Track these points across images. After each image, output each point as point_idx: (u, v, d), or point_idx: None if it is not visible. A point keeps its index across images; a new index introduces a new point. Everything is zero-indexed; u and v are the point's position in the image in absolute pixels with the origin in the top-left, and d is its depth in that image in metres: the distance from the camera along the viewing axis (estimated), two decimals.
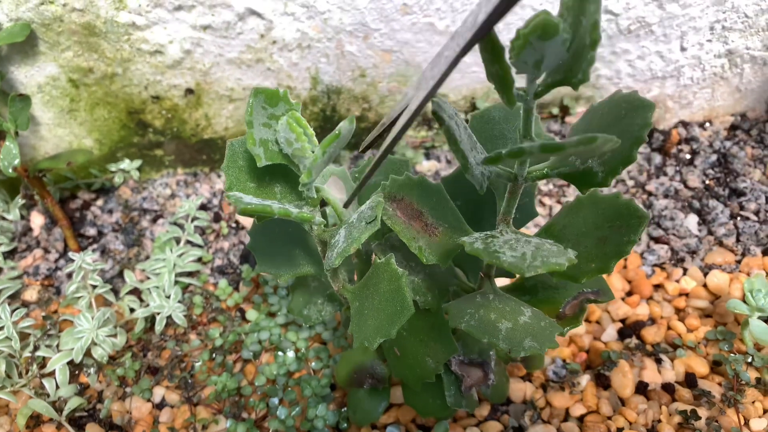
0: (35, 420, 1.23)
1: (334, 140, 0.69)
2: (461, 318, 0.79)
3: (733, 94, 1.68)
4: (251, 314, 1.38)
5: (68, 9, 1.30)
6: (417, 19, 1.42)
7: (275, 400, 1.25)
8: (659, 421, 1.17)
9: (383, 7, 1.38)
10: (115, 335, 1.31)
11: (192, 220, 1.52)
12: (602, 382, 1.24)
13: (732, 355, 1.24)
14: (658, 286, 1.40)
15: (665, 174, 1.61)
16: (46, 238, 1.54)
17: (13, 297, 1.44)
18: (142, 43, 1.38)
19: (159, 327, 1.33)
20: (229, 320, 1.38)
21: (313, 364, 1.31)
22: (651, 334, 1.30)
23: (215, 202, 1.62)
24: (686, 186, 1.57)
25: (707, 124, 1.72)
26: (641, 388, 1.22)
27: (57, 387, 1.24)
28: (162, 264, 1.41)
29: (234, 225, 1.57)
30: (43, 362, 1.28)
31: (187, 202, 1.52)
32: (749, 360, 1.23)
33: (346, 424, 1.21)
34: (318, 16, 1.39)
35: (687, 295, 1.38)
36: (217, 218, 1.58)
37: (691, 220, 1.50)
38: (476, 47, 0.61)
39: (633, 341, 1.30)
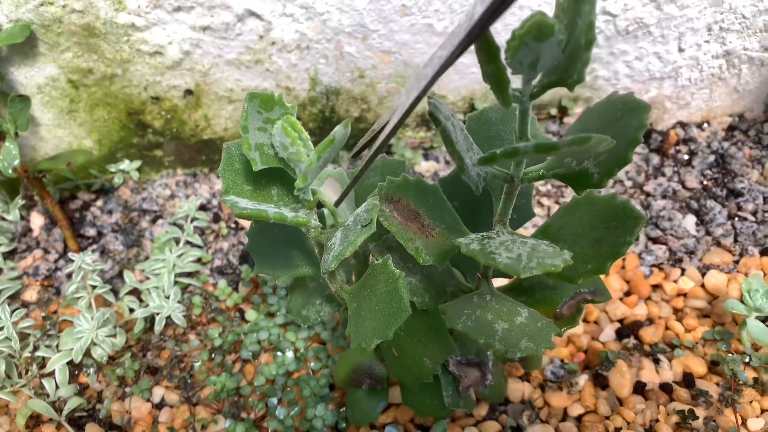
0: (35, 420, 1.23)
1: (329, 145, 0.69)
2: (458, 319, 0.80)
3: (730, 95, 1.69)
4: (250, 314, 1.38)
5: (68, 10, 1.31)
6: (416, 20, 1.42)
7: (274, 400, 1.25)
8: (657, 420, 1.17)
9: (382, 8, 1.39)
10: (114, 335, 1.31)
11: (191, 221, 1.53)
12: (600, 382, 1.24)
13: (730, 355, 1.24)
14: (656, 287, 1.41)
15: (663, 174, 1.61)
16: (46, 239, 1.54)
17: (13, 297, 1.44)
18: (141, 44, 1.38)
19: (158, 327, 1.33)
20: (229, 320, 1.39)
21: (312, 364, 1.31)
22: (649, 334, 1.30)
23: (214, 202, 1.62)
24: (684, 186, 1.57)
25: (705, 125, 1.73)
26: (639, 388, 1.23)
27: (57, 387, 1.24)
28: (161, 264, 1.42)
29: (233, 225, 1.58)
30: (42, 362, 1.29)
31: (187, 203, 1.52)
32: (747, 360, 1.24)
33: (344, 424, 1.21)
34: (317, 17, 1.39)
35: (685, 295, 1.38)
36: (216, 219, 1.59)
37: (689, 221, 1.50)
38: (473, 48, 0.61)
39: (631, 341, 1.30)
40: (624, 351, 1.28)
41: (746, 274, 1.39)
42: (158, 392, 1.28)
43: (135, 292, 1.44)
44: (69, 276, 1.48)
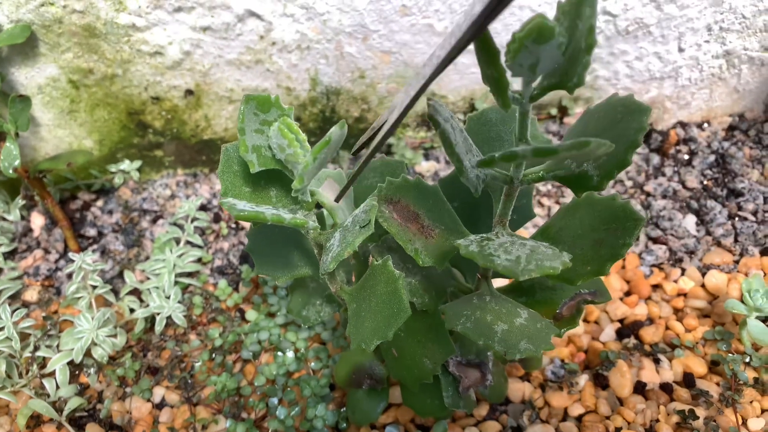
0: (35, 420, 1.24)
1: (325, 146, 0.69)
2: (457, 320, 0.80)
3: (731, 95, 1.69)
4: (251, 314, 1.38)
5: (68, 11, 1.31)
6: (416, 20, 1.42)
7: (275, 400, 1.25)
8: (657, 420, 1.17)
9: (382, 8, 1.39)
10: (115, 335, 1.31)
11: (192, 221, 1.53)
12: (600, 382, 1.24)
13: (730, 354, 1.24)
14: (656, 287, 1.41)
15: (663, 174, 1.61)
16: (47, 239, 1.54)
17: (14, 297, 1.44)
18: (142, 44, 1.39)
19: (159, 327, 1.34)
20: (229, 320, 1.39)
21: (312, 364, 1.31)
22: (649, 334, 1.30)
23: (215, 202, 1.62)
24: (684, 186, 1.57)
25: (705, 125, 1.73)
26: (639, 388, 1.23)
27: (57, 387, 1.24)
28: (162, 264, 1.42)
29: (233, 226, 1.58)
30: (43, 362, 1.29)
31: (187, 203, 1.52)
32: (747, 360, 1.24)
33: (345, 424, 1.21)
34: (317, 17, 1.39)
35: (685, 295, 1.38)
36: (216, 219, 1.59)
37: (690, 221, 1.50)
38: (473, 48, 0.61)
39: (631, 341, 1.31)
40: (624, 351, 1.28)
41: (746, 274, 1.39)
42: (159, 392, 1.28)
43: (135, 292, 1.44)
44: (69, 276, 1.48)
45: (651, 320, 1.34)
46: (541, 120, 1.71)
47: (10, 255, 1.53)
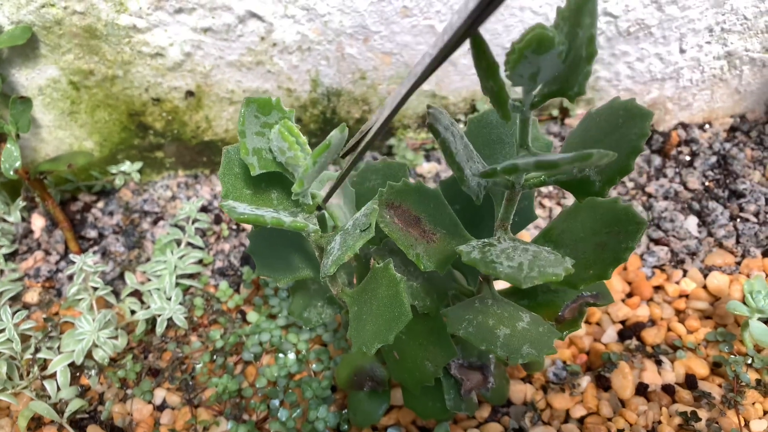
0: (36, 422, 1.23)
1: (325, 150, 0.69)
2: (459, 324, 0.79)
3: (732, 96, 1.68)
4: (252, 316, 1.38)
5: (69, 12, 1.31)
6: (417, 21, 1.42)
7: (276, 402, 1.25)
8: (659, 422, 1.17)
9: (383, 9, 1.39)
10: (116, 337, 1.31)
11: (193, 222, 1.53)
12: (602, 384, 1.24)
13: (732, 356, 1.24)
14: (658, 288, 1.40)
15: (665, 176, 1.61)
16: (47, 240, 1.54)
17: (14, 299, 1.44)
18: (142, 45, 1.38)
19: (160, 329, 1.34)
20: (230, 322, 1.39)
21: (313, 365, 1.31)
22: (651, 336, 1.30)
23: (216, 204, 1.62)
24: (686, 188, 1.57)
25: (707, 126, 1.72)
26: (641, 390, 1.23)
27: (58, 389, 1.24)
28: (163, 266, 1.42)
29: (234, 227, 1.58)
30: (44, 364, 1.29)
31: (188, 204, 1.52)
32: (749, 361, 1.24)
33: (346, 426, 1.21)
34: (318, 18, 1.39)
35: (687, 296, 1.38)
36: (217, 220, 1.58)
37: (691, 222, 1.50)
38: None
39: (633, 343, 1.30)
40: (626, 352, 1.28)
41: (748, 276, 1.39)
42: (160, 394, 1.28)
43: (136, 294, 1.44)
44: (70, 278, 1.48)
45: (653, 322, 1.34)
46: (542, 121, 1.71)
47: (10, 256, 1.53)
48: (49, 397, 1.23)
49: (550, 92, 0.62)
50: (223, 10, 1.34)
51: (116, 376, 1.29)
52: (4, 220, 1.55)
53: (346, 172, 0.75)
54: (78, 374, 1.31)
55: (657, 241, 1.48)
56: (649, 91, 1.64)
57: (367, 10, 1.38)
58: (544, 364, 1.25)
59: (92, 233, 1.56)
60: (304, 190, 0.76)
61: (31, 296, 1.44)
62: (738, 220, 1.49)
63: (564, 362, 1.28)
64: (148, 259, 1.52)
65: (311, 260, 0.97)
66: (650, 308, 1.35)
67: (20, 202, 1.54)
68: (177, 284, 1.42)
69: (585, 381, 1.24)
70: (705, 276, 1.40)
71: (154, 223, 1.59)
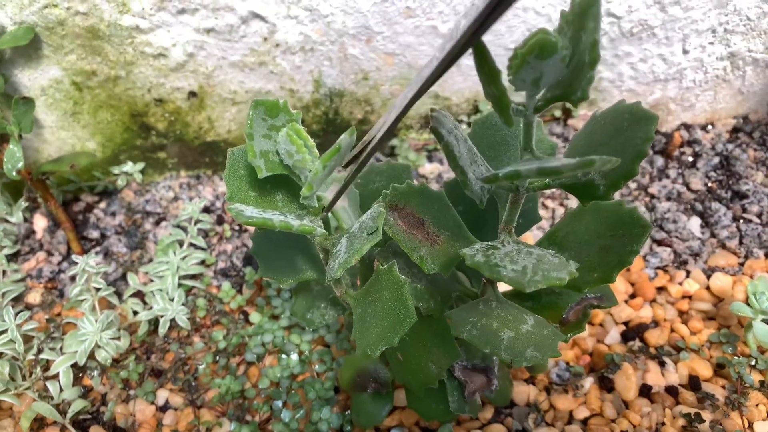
0: (39, 423, 1.23)
1: (335, 154, 0.69)
2: (463, 327, 0.79)
3: (735, 97, 1.68)
4: (254, 317, 1.38)
5: (72, 12, 1.31)
6: (420, 22, 1.42)
7: (279, 403, 1.25)
8: (663, 424, 1.17)
9: (386, 10, 1.39)
10: (118, 338, 1.31)
11: (195, 223, 1.53)
12: (606, 385, 1.24)
13: (735, 357, 1.24)
14: (661, 289, 1.40)
15: (668, 176, 1.61)
16: (50, 241, 1.54)
17: (17, 300, 1.44)
18: (145, 46, 1.38)
19: (162, 330, 1.34)
20: (233, 323, 1.39)
21: (316, 366, 1.31)
22: (654, 337, 1.30)
23: (218, 204, 1.62)
24: (689, 188, 1.57)
25: (709, 127, 1.72)
26: (645, 391, 1.22)
27: (61, 390, 1.24)
28: (165, 267, 1.42)
29: (237, 228, 1.58)
30: (46, 365, 1.29)
31: (190, 205, 1.52)
32: (753, 363, 1.23)
33: (349, 427, 1.21)
34: (321, 19, 1.39)
35: (690, 297, 1.38)
36: (220, 221, 1.58)
37: (694, 223, 1.50)
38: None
39: (636, 344, 1.30)
40: (629, 354, 1.28)
41: (751, 277, 1.39)
42: (162, 395, 1.28)
43: (139, 295, 1.44)
44: (72, 278, 1.48)
45: (656, 323, 1.34)
46: (546, 122, 1.71)
47: (13, 257, 1.53)
48: (52, 398, 1.24)
49: (553, 97, 0.62)
50: (226, 11, 1.34)
51: (119, 377, 1.29)
52: (7, 221, 1.55)
53: (351, 179, 0.75)
54: (81, 375, 1.31)
55: (660, 242, 1.48)
56: (652, 91, 1.64)
57: (370, 11, 1.38)
58: (548, 365, 1.25)
59: (94, 234, 1.56)
60: (311, 195, 0.76)
61: (34, 297, 1.44)
62: (741, 221, 1.49)
63: (567, 363, 1.28)
64: (150, 260, 1.52)
65: (315, 262, 0.97)
66: (653, 309, 1.35)
67: (22, 203, 1.54)
68: (179, 285, 1.42)
69: (588, 382, 1.24)
70: (708, 277, 1.40)
71: (157, 223, 1.59)
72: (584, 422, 1.19)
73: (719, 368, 1.25)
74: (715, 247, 1.46)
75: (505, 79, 0.59)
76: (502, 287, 0.94)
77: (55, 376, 1.26)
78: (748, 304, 1.25)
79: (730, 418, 1.15)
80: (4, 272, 1.47)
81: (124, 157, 1.61)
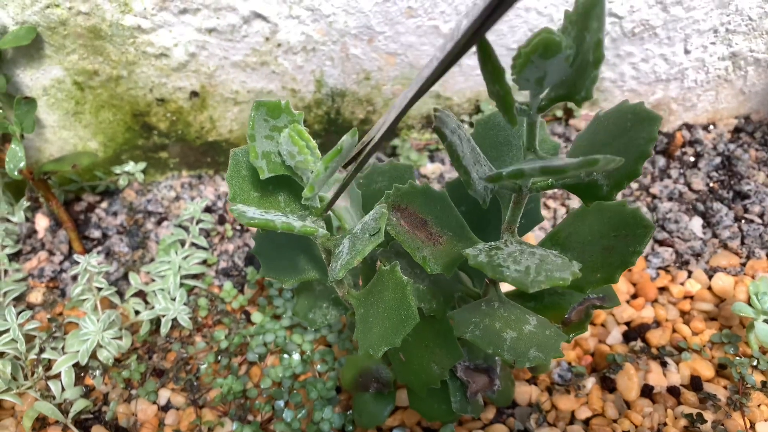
0: (41, 422, 1.24)
1: (337, 155, 0.69)
2: (466, 327, 0.79)
3: (737, 97, 1.68)
4: (256, 316, 1.38)
5: (74, 12, 1.31)
6: (422, 22, 1.42)
7: (281, 403, 1.25)
8: (665, 424, 1.17)
9: (388, 10, 1.38)
10: (120, 337, 1.31)
11: (197, 223, 1.53)
12: (608, 385, 1.24)
13: (737, 358, 1.24)
14: (662, 289, 1.40)
15: (669, 177, 1.61)
16: (51, 241, 1.54)
17: (19, 299, 1.44)
18: (147, 46, 1.38)
19: (164, 329, 1.34)
20: (234, 322, 1.39)
21: (318, 366, 1.31)
22: (656, 337, 1.30)
23: (220, 204, 1.62)
24: (690, 189, 1.57)
25: (711, 127, 1.72)
26: (647, 391, 1.22)
27: (63, 389, 1.24)
28: (167, 266, 1.42)
29: (238, 228, 1.58)
30: (48, 364, 1.29)
31: (192, 205, 1.52)
32: (755, 363, 1.23)
33: (351, 427, 1.21)
34: (323, 19, 1.39)
35: (692, 297, 1.38)
36: (221, 220, 1.58)
37: (696, 223, 1.50)
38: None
39: (638, 344, 1.30)
40: (631, 354, 1.28)
41: (753, 277, 1.39)
42: (164, 394, 1.28)
43: (140, 294, 1.44)
44: (74, 278, 1.48)
45: (658, 323, 1.34)
46: (547, 121, 1.71)
47: (14, 257, 1.53)
48: (54, 398, 1.24)
49: (557, 96, 0.62)
50: (228, 11, 1.34)
51: (121, 377, 1.29)
52: (8, 221, 1.55)
53: (350, 179, 0.75)
54: (82, 374, 1.31)
55: (662, 243, 1.48)
56: (654, 91, 1.64)
57: (371, 11, 1.38)
58: (550, 365, 1.25)
59: (96, 233, 1.56)
60: (313, 196, 0.76)
61: (35, 296, 1.44)
62: (743, 221, 1.49)
63: (569, 364, 1.28)
64: (152, 260, 1.52)
65: (317, 262, 0.97)
66: (655, 310, 1.35)
67: (24, 203, 1.54)
68: (181, 285, 1.42)
69: (590, 382, 1.24)
70: (710, 277, 1.40)
71: (158, 223, 1.59)
72: (586, 422, 1.19)
73: (721, 369, 1.25)
74: (717, 248, 1.46)
75: (508, 78, 0.59)
76: (505, 287, 0.94)
77: (57, 376, 1.26)
78: (749, 305, 1.25)
79: (732, 418, 1.15)
80: (5, 272, 1.47)
81: (125, 156, 1.61)
